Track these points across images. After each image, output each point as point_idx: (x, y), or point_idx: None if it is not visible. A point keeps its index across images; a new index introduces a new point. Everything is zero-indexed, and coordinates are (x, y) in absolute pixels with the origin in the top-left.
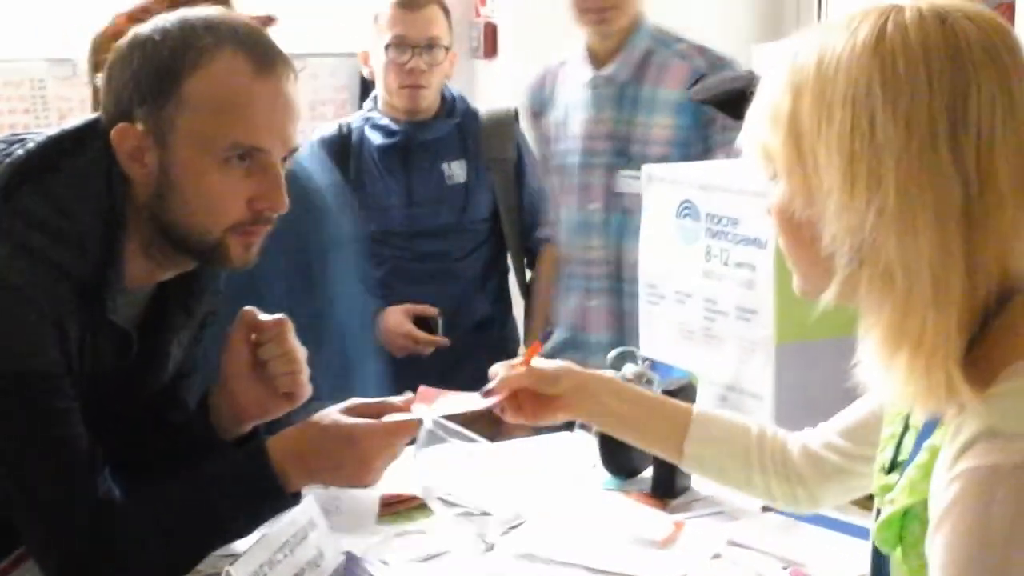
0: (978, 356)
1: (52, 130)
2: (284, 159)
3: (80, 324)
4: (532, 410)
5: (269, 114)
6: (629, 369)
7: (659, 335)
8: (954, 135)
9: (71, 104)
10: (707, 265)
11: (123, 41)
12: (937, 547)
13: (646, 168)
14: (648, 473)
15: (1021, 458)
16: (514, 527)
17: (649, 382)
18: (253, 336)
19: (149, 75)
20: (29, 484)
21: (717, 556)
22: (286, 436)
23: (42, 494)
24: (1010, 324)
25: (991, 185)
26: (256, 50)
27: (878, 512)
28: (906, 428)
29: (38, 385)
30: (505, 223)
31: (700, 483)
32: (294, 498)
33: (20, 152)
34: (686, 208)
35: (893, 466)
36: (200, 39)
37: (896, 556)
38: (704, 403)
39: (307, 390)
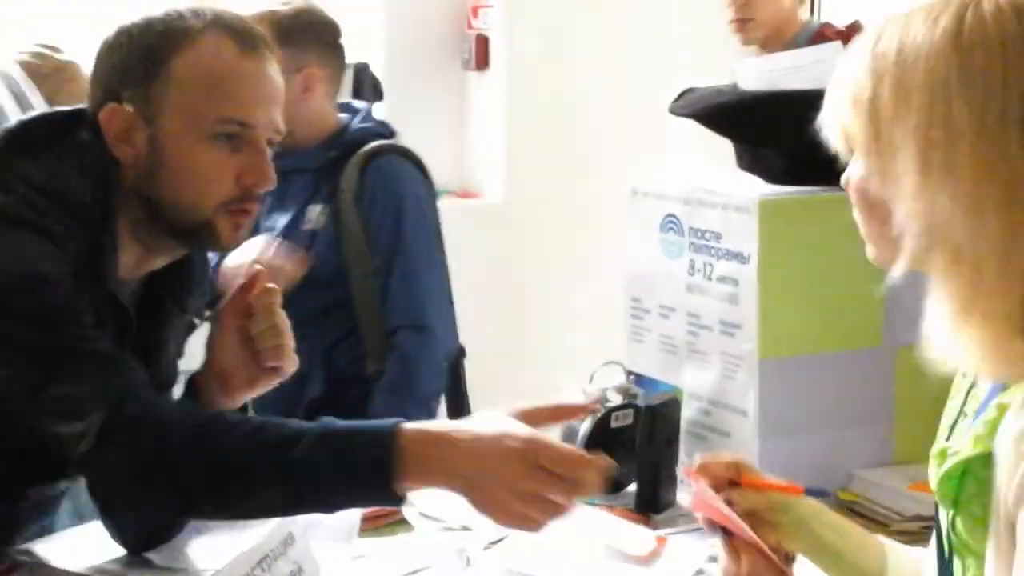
0: None
1: (35, 113)
2: (271, 142)
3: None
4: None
5: (255, 90)
6: (613, 383)
7: (644, 349)
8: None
9: None
10: (690, 279)
11: (110, 33)
12: None
13: (631, 183)
14: (632, 488)
15: None
16: (495, 542)
17: (634, 396)
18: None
19: (137, 57)
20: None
21: (699, 572)
22: (426, 424)
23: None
24: None
25: None
26: (241, 31)
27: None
28: (968, 394)
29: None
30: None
31: (684, 498)
32: (397, 498)
33: (12, 124)
34: (670, 222)
35: (952, 432)
36: (186, 21)
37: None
38: (688, 417)
39: (294, 362)
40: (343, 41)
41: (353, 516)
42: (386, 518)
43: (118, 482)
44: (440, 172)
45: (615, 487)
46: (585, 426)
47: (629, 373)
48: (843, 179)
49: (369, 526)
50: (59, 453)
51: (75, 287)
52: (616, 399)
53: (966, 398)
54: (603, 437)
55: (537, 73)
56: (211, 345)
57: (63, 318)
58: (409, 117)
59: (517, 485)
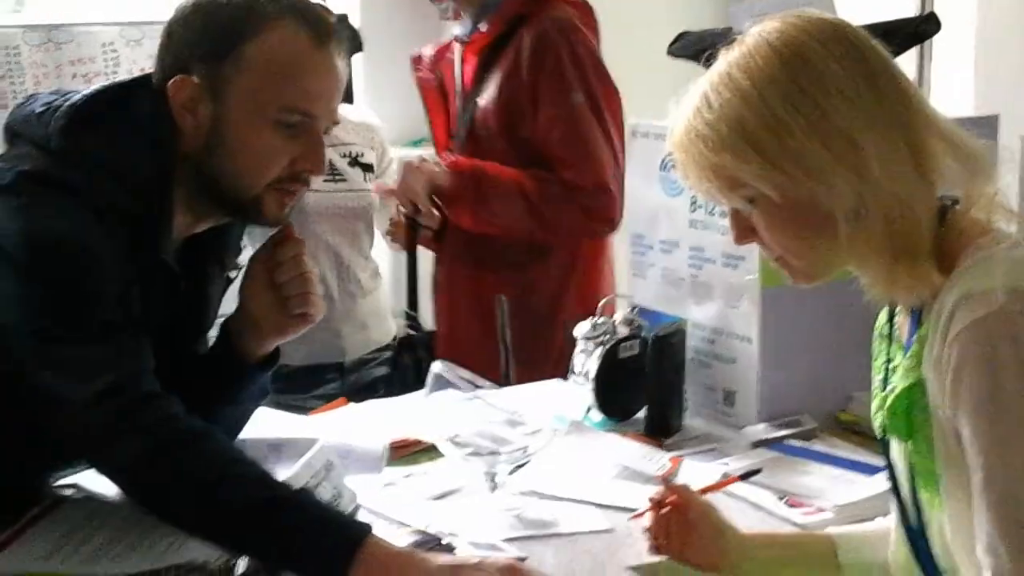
0: (938, 253)
1: (102, 83)
2: (327, 130)
3: (136, 271)
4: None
5: (322, 83)
6: (618, 316)
7: (646, 284)
8: (875, 90)
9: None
10: (693, 215)
11: (187, 2)
12: (964, 407)
13: (630, 122)
14: (642, 414)
15: (999, 304)
16: (521, 466)
17: (639, 327)
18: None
19: (212, 33)
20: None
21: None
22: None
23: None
24: (956, 227)
25: (916, 114)
26: (315, 23)
27: (886, 442)
28: (890, 349)
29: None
30: None
31: (692, 422)
32: None
33: (76, 98)
34: (670, 161)
35: (886, 383)
36: (264, 6)
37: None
38: (693, 346)
39: (320, 309)
40: None
41: (381, 446)
42: (411, 447)
43: (125, 458)
44: (419, 122)
45: (625, 414)
46: (595, 359)
47: (633, 306)
48: (736, 235)
49: (397, 456)
50: (59, 421)
51: (118, 266)
52: (623, 331)
53: (888, 353)
54: (612, 368)
55: None
56: (243, 293)
57: (88, 287)
58: (387, 68)
59: None
